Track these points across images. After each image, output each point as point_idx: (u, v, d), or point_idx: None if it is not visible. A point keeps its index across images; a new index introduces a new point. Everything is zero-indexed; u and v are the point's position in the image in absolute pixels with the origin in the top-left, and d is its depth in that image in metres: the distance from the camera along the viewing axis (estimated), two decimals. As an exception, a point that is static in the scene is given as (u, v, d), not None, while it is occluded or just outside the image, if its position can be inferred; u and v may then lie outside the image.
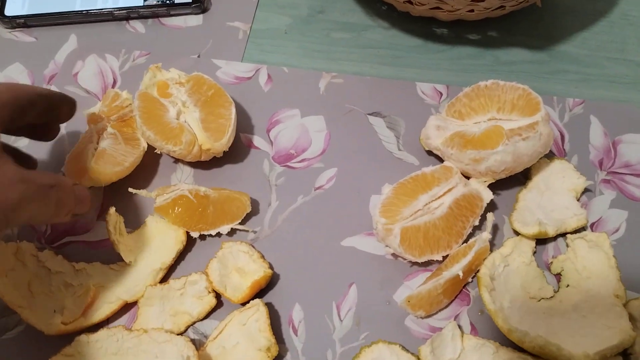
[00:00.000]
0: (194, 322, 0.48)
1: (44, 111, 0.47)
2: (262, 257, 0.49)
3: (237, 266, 0.49)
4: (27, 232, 0.52)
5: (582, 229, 0.51)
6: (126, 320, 0.48)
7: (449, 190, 0.49)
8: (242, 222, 0.51)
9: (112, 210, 0.48)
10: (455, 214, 0.49)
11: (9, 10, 0.63)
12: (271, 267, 0.50)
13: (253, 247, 0.50)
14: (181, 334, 0.47)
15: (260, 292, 0.49)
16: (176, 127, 0.52)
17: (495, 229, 0.52)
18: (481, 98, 0.53)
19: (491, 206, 0.52)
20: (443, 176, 0.50)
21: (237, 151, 0.56)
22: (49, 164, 0.55)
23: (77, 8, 0.63)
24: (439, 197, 0.49)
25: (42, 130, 0.50)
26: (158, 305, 0.48)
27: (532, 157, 0.49)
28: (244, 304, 0.47)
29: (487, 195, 0.50)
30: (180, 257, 0.51)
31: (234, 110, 0.53)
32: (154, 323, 0.47)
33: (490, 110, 0.52)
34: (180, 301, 0.48)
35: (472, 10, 0.58)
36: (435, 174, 0.50)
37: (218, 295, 0.49)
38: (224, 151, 0.53)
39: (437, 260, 0.49)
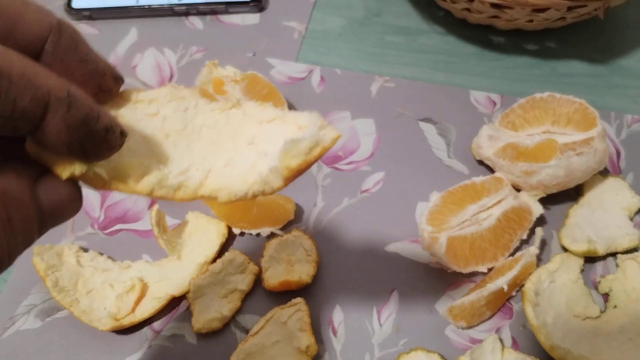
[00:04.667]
0: (246, 293, 0.49)
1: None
2: (317, 262, 0.50)
3: (290, 258, 0.49)
4: (81, 219, 0.54)
5: (633, 249, 0.50)
6: (174, 316, 0.49)
7: (499, 202, 0.49)
8: (283, 228, 0.52)
9: (156, 207, 0.49)
10: (503, 226, 0.48)
11: (76, 3, 0.66)
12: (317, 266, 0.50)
13: (316, 249, 0.50)
14: (239, 309, 0.49)
15: (302, 291, 0.49)
16: (229, 124, 0.53)
17: (544, 244, 0.51)
18: (536, 110, 0.52)
19: (540, 221, 0.51)
20: (493, 187, 0.49)
21: (287, 150, 0.56)
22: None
23: (140, 3, 0.65)
24: (487, 208, 0.49)
25: None
26: (207, 294, 0.49)
27: (585, 173, 0.48)
28: (282, 297, 0.48)
29: (537, 209, 0.49)
30: (221, 250, 0.51)
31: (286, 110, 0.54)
32: (209, 312, 0.48)
33: (544, 123, 0.51)
34: (226, 281, 0.49)
35: (531, 21, 0.57)
36: (485, 185, 0.50)
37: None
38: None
39: (481, 272, 0.49)
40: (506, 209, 0.48)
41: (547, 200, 0.52)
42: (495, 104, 0.59)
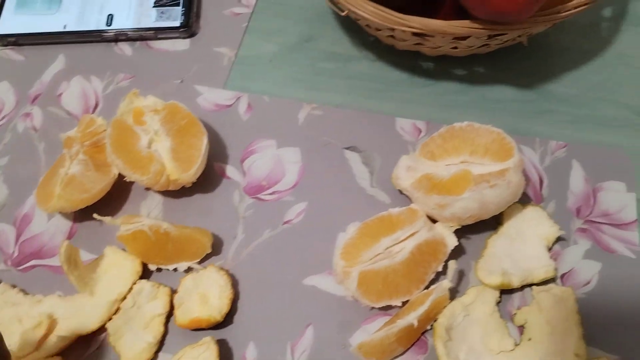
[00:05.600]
0: (169, 317, 0.49)
1: None
2: (233, 299, 0.49)
3: (204, 293, 0.49)
4: (-6, 254, 0.53)
5: (551, 279, 0.49)
6: (88, 354, 0.48)
7: (412, 234, 0.48)
8: (202, 261, 0.52)
9: (66, 243, 0.48)
10: (417, 260, 0.48)
11: (0, 29, 0.65)
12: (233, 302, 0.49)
13: (233, 285, 0.49)
14: (164, 334, 0.48)
15: (217, 327, 0.48)
16: (145, 156, 0.52)
17: (462, 275, 0.51)
18: (455, 140, 0.52)
19: (459, 251, 0.51)
20: (408, 219, 0.49)
21: (209, 181, 0.56)
22: (23, 187, 0.56)
23: (68, 29, 0.64)
24: (401, 241, 0.48)
25: None
26: (127, 331, 0.48)
27: (499, 205, 0.48)
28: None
29: (452, 242, 0.49)
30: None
31: (205, 141, 0.53)
32: (135, 346, 0.47)
33: (463, 153, 0.51)
34: (141, 312, 0.48)
35: (456, 47, 0.57)
36: (401, 217, 0.49)
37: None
38: (194, 181, 0.53)
39: (396, 305, 0.48)
40: (420, 241, 0.48)
41: (467, 230, 0.51)
42: (420, 131, 0.58)
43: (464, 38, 0.54)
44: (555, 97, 0.61)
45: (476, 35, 0.53)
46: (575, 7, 0.52)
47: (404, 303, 0.48)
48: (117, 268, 0.50)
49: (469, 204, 0.47)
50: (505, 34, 0.54)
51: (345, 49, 0.64)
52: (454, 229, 0.49)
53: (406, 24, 0.52)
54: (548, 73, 0.62)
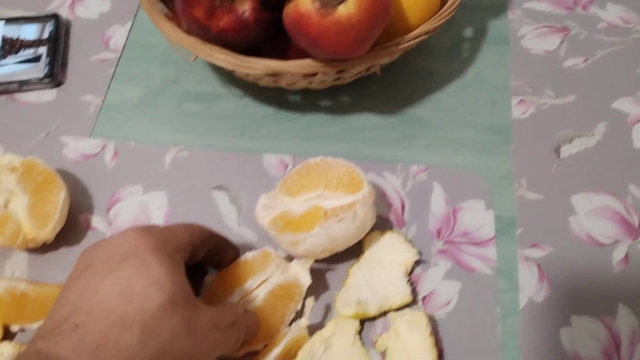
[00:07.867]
0: None
1: (210, 253, 0.48)
2: None
3: None
4: None
5: (409, 304, 0.51)
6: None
7: (264, 281, 0.49)
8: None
9: None
10: (272, 305, 0.48)
11: None
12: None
13: None
14: None
15: None
16: (1, 217, 0.51)
17: (328, 307, 0.52)
18: (310, 175, 0.53)
19: (323, 284, 0.52)
20: (260, 265, 0.49)
21: (74, 234, 0.55)
22: None
23: None
24: (254, 289, 0.49)
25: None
26: None
27: (348, 238, 0.49)
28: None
29: (305, 281, 0.49)
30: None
31: (63, 196, 0.53)
32: None
33: (318, 188, 0.52)
34: None
35: (311, 82, 0.58)
36: (254, 262, 0.50)
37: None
38: (52, 238, 0.53)
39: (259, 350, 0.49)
40: (272, 287, 0.48)
41: (332, 260, 0.52)
42: (287, 166, 0.59)
43: (314, 74, 0.56)
44: (416, 121, 0.62)
45: (323, 72, 0.54)
46: (415, 38, 0.54)
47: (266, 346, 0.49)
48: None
49: (319, 240, 0.48)
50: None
51: (212, 88, 0.65)
52: (308, 264, 0.50)
53: (250, 66, 0.53)
54: (410, 98, 0.64)
